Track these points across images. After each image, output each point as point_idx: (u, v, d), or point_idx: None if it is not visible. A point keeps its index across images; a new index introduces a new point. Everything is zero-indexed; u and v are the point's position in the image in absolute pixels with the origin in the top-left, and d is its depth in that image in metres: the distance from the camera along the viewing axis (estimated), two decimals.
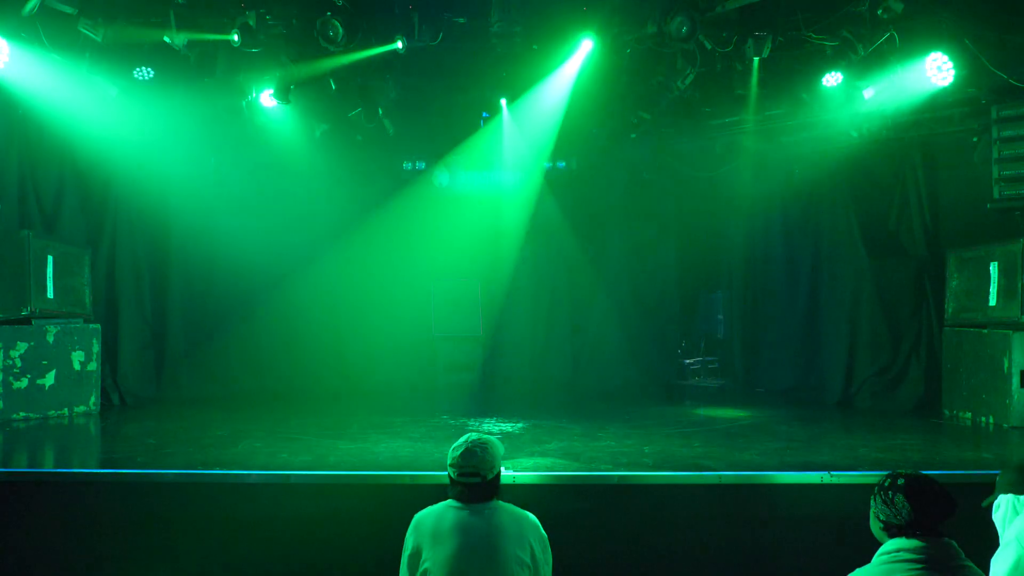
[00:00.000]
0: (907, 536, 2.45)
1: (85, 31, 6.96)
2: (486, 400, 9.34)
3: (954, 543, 2.45)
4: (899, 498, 2.51)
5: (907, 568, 2.37)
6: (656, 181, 10.58)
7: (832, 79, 7.98)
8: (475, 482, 2.95)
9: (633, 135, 9.42)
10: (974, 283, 7.66)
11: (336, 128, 9.42)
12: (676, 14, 6.97)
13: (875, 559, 2.49)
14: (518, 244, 11.08)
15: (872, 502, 2.59)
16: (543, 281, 11.17)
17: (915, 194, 8.60)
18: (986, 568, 2.62)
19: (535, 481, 4.76)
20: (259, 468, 5.03)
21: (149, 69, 7.76)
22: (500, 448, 3.08)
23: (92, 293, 8.38)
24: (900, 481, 2.54)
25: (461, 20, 7.46)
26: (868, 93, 7.85)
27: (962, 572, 2.39)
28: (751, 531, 4.70)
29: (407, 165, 10.66)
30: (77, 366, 7.84)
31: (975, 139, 7.92)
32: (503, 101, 9.48)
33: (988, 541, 2.86)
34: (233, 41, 7.25)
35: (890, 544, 2.48)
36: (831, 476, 4.75)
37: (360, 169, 10.11)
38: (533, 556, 2.92)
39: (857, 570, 2.47)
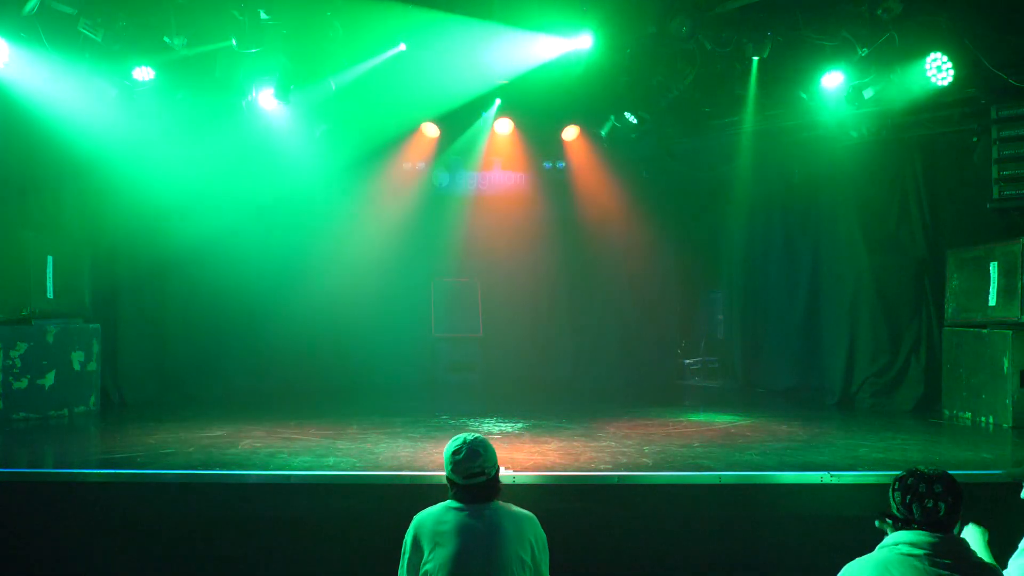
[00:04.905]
0: (910, 530, 2.45)
1: (85, 31, 6.97)
2: (486, 400, 9.34)
3: (965, 540, 2.45)
4: (897, 496, 2.52)
5: (907, 560, 2.37)
6: (656, 181, 10.58)
7: (832, 79, 7.98)
8: (481, 482, 2.96)
9: (633, 135, 9.42)
10: (974, 283, 7.66)
11: (336, 128, 9.43)
12: (676, 14, 6.97)
13: (876, 549, 2.48)
14: (518, 244, 11.09)
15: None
16: (543, 281, 11.18)
17: (915, 194, 8.60)
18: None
19: (535, 481, 4.76)
20: (259, 468, 5.03)
21: (149, 69, 7.76)
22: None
23: (92, 293, 8.38)
24: (910, 481, 2.52)
25: (461, 18, 7.44)
26: (868, 93, 7.85)
27: (975, 570, 2.38)
28: (751, 531, 4.70)
29: (407, 165, 10.66)
30: (77, 366, 7.84)
31: (975, 139, 7.93)
32: (497, 101, 9.49)
33: (995, 541, 2.86)
34: (232, 45, 7.27)
35: (893, 537, 2.47)
36: (831, 476, 4.75)
37: (360, 169, 10.11)
38: (533, 555, 2.93)
39: (856, 559, 2.47)
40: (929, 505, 2.45)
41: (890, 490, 2.57)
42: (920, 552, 2.37)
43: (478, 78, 8.69)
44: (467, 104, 9.45)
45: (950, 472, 2.57)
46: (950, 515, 2.45)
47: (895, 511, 2.52)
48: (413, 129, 10.10)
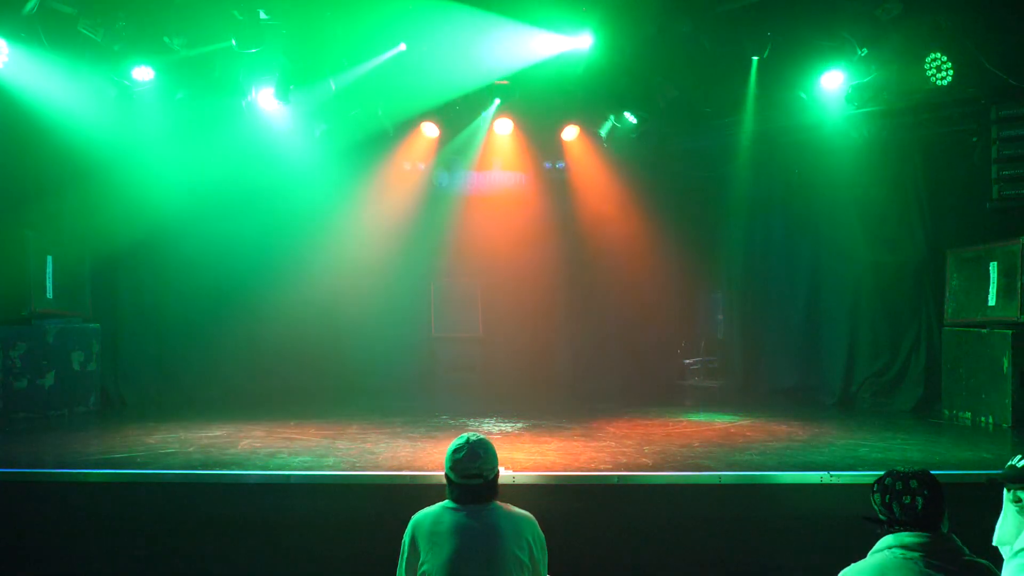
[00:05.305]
0: (900, 530, 2.45)
1: (85, 31, 6.98)
2: (486, 400, 9.34)
3: (955, 538, 2.45)
4: (877, 498, 2.54)
5: (903, 563, 2.37)
6: (656, 181, 10.57)
7: (832, 79, 7.99)
8: (477, 484, 2.95)
9: (633, 135, 9.43)
10: (974, 283, 7.66)
11: (336, 128, 9.43)
12: (677, 13, 6.98)
13: (869, 555, 2.49)
14: (518, 244, 11.08)
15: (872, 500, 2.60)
16: (543, 281, 11.16)
17: (915, 194, 8.61)
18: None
19: (535, 481, 4.76)
20: (259, 468, 5.03)
21: (149, 69, 7.76)
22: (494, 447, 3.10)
23: (92, 293, 8.38)
24: (887, 480, 2.54)
25: (461, 6, 7.40)
26: (868, 93, 7.86)
27: (968, 569, 2.38)
28: (751, 531, 4.70)
29: (407, 165, 10.65)
30: (77, 366, 7.84)
31: (975, 139, 7.93)
32: (497, 100, 9.47)
33: (990, 540, 2.86)
34: (232, 45, 7.27)
35: (885, 540, 2.47)
36: (831, 476, 4.75)
37: (360, 169, 10.10)
38: (531, 555, 2.92)
39: (852, 565, 2.47)
40: (907, 501, 2.46)
41: (871, 493, 2.58)
42: (915, 554, 2.37)
43: (478, 76, 8.68)
44: (467, 104, 9.46)
45: (941, 471, 2.57)
46: (929, 510, 2.45)
47: (879, 514, 2.53)
48: (413, 129, 10.09)
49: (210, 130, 8.78)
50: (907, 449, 5.97)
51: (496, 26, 7.54)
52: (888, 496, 2.50)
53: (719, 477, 4.84)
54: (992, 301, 7.38)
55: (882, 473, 2.60)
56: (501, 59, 8.13)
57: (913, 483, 2.49)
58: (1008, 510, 2.82)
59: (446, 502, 2.99)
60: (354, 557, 4.55)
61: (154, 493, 4.83)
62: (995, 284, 7.35)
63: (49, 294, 7.72)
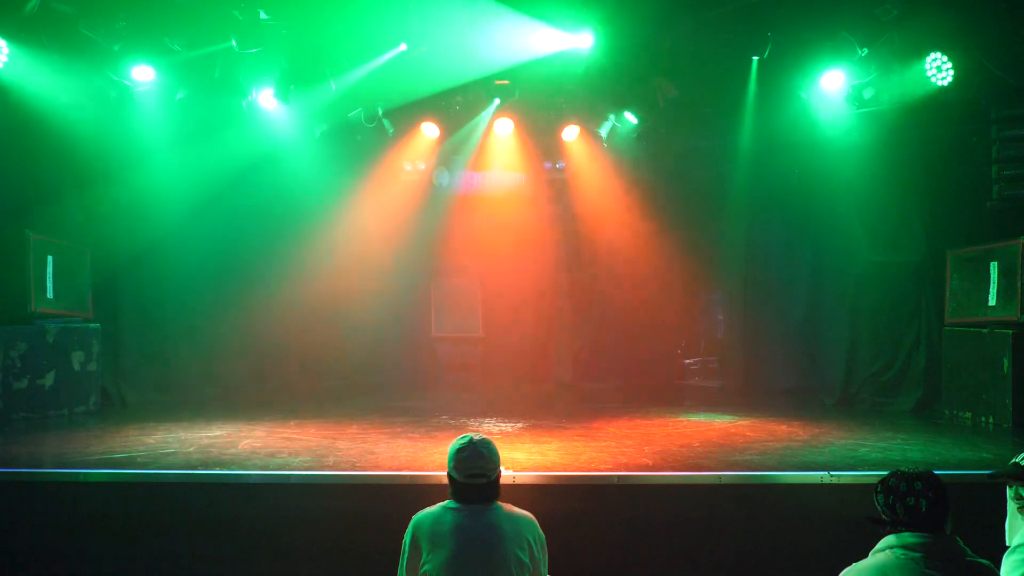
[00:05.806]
0: (903, 531, 2.45)
1: (85, 31, 6.99)
2: (486, 400, 9.34)
3: (957, 539, 2.45)
4: (880, 498, 2.54)
5: (905, 564, 2.37)
6: (656, 181, 10.57)
7: (832, 79, 8.00)
8: (480, 483, 2.96)
9: (633, 135, 9.43)
10: (974, 283, 7.66)
11: (336, 128, 9.43)
12: (676, 13, 6.98)
13: (871, 555, 2.49)
14: (518, 244, 11.09)
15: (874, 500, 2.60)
16: (543, 281, 11.17)
17: (915, 194, 8.60)
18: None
19: (535, 481, 4.76)
20: (259, 468, 5.03)
21: (149, 69, 7.77)
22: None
23: (92, 293, 8.38)
24: (891, 482, 2.55)
25: (461, 15, 7.41)
26: (868, 93, 7.86)
27: (970, 570, 2.38)
28: (751, 531, 4.70)
29: (407, 165, 10.65)
30: (77, 366, 7.84)
31: (975, 139, 7.93)
32: (496, 100, 9.47)
33: (990, 540, 2.86)
34: (232, 45, 7.28)
35: (887, 540, 2.48)
36: (831, 476, 4.75)
37: (360, 169, 10.10)
38: (532, 556, 2.93)
39: (853, 565, 2.47)
40: (911, 503, 2.46)
41: (874, 493, 2.57)
42: (917, 555, 2.37)
43: (479, 72, 8.65)
44: (467, 104, 9.45)
45: (941, 471, 2.58)
46: (933, 511, 2.45)
47: (882, 514, 2.53)
48: (413, 129, 10.09)
49: (210, 130, 8.77)
50: (907, 449, 5.97)
51: (497, 18, 7.50)
52: (892, 497, 2.50)
53: (719, 477, 4.83)
54: (992, 301, 7.38)
55: (885, 473, 2.60)
56: (502, 54, 8.08)
57: (917, 485, 2.48)
58: (1009, 508, 2.83)
59: (447, 502, 2.99)
60: (354, 557, 4.55)
61: (154, 493, 4.82)
62: (995, 284, 7.35)
63: (49, 294, 7.72)
